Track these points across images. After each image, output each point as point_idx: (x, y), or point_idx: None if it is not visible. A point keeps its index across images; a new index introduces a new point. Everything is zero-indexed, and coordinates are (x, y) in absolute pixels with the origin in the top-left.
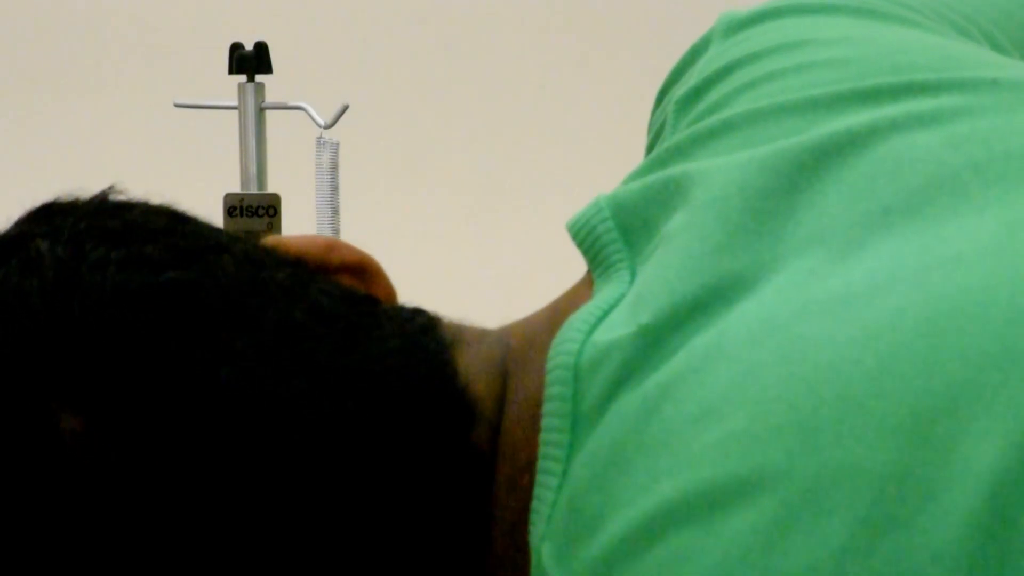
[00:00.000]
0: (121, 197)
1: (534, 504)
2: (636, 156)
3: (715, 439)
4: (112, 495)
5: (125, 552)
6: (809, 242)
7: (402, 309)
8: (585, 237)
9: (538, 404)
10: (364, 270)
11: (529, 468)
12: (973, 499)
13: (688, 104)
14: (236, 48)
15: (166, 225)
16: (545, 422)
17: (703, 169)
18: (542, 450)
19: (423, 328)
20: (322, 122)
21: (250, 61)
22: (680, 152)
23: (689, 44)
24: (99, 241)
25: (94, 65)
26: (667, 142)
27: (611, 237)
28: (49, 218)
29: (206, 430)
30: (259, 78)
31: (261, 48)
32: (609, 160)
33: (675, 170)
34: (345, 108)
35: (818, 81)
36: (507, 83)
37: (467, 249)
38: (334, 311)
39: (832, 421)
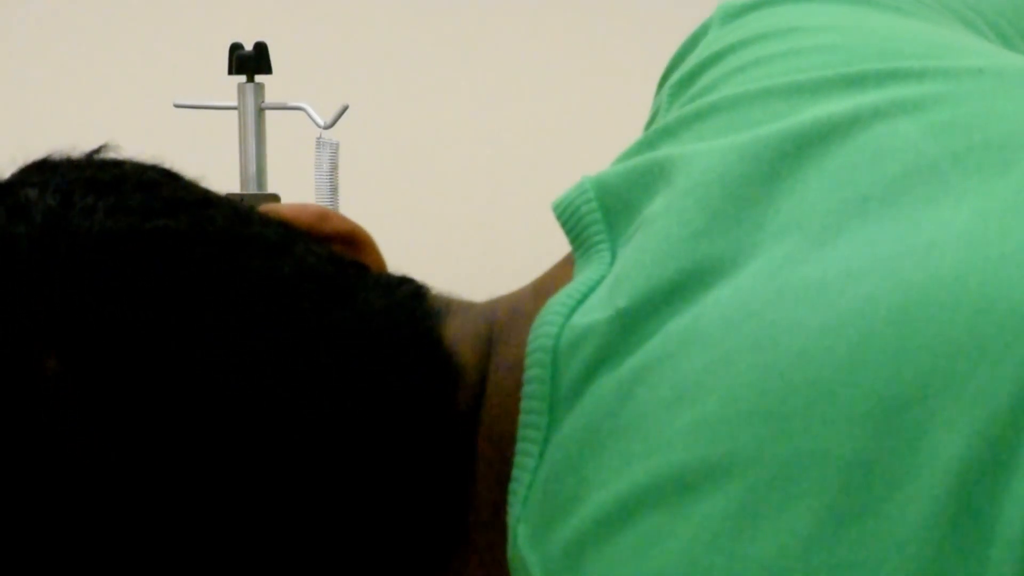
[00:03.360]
0: (113, 155)
1: (512, 486)
2: None
3: (687, 423)
4: (92, 436)
5: (101, 492)
6: (787, 228)
7: (390, 276)
8: (569, 217)
9: (519, 378)
10: (355, 240)
11: (509, 443)
12: (938, 488)
13: (681, 88)
14: (236, 48)
15: (156, 179)
16: (524, 404)
17: (687, 154)
18: (521, 432)
19: (410, 295)
20: (322, 122)
21: (250, 61)
22: (668, 134)
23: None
24: (88, 190)
25: (94, 65)
26: (656, 124)
27: (593, 218)
28: (40, 171)
29: (185, 377)
30: (259, 78)
31: (261, 48)
32: (610, 159)
33: (660, 153)
34: (345, 108)
35: (804, 66)
36: (507, 83)
37: (467, 249)
38: (320, 269)
39: (802, 408)
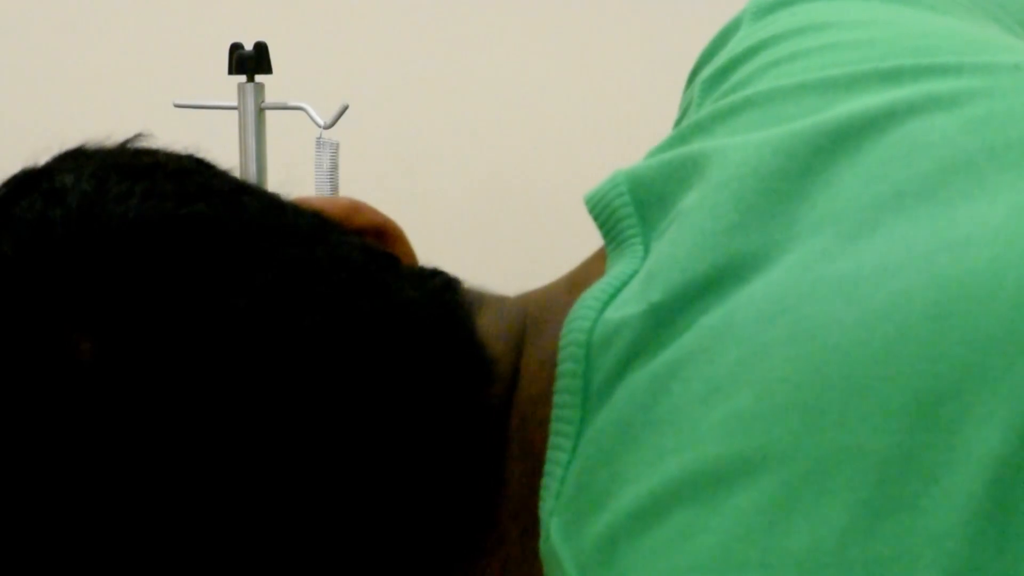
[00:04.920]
0: (147, 144)
1: (544, 480)
2: (637, 156)
3: (721, 417)
4: (125, 420)
5: (134, 477)
6: (821, 223)
7: (422, 268)
8: (602, 211)
9: (552, 373)
10: (386, 233)
11: (541, 436)
12: (974, 483)
13: (714, 83)
14: (236, 48)
15: (190, 167)
16: (557, 398)
17: (721, 148)
18: (554, 426)
19: (442, 286)
20: (322, 122)
21: (250, 61)
22: (701, 129)
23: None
24: (123, 176)
25: (94, 65)
26: (690, 119)
27: (626, 212)
28: (75, 158)
29: (218, 363)
30: (259, 78)
31: (261, 48)
32: (611, 157)
33: (694, 147)
34: (345, 108)
35: (839, 61)
36: (507, 83)
37: (467, 249)
38: (353, 259)
39: (837, 402)
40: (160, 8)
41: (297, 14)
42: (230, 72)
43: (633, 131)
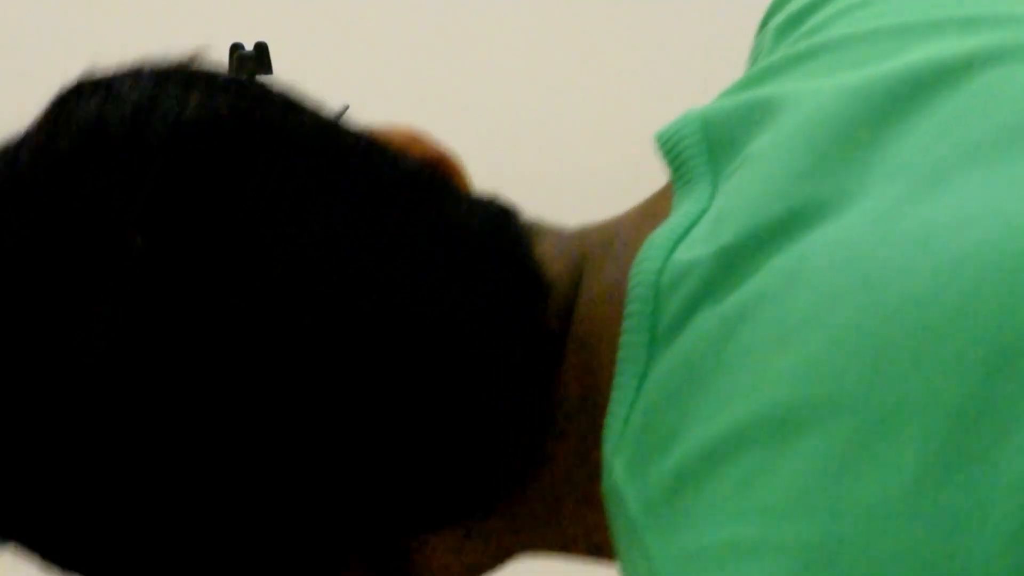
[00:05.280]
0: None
1: (607, 419)
2: (638, 154)
3: (791, 362)
4: (170, 311)
5: (182, 368)
6: (896, 172)
7: (480, 194)
8: (672, 148)
9: (614, 311)
10: (445, 165)
11: (599, 371)
12: None
13: (788, 28)
14: (236, 48)
15: (246, 82)
16: (624, 339)
17: (794, 92)
18: (619, 367)
19: (501, 211)
20: None
21: (250, 61)
22: (774, 72)
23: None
24: (180, 82)
25: (94, 65)
26: (761, 63)
27: (697, 150)
28: (134, 69)
29: (269, 267)
30: (259, 78)
31: (261, 48)
32: (613, 157)
33: (767, 90)
34: (345, 108)
35: (915, 8)
36: (508, 83)
37: None
38: (413, 176)
39: (910, 351)
40: (160, 8)
41: (297, 14)
42: (230, 72)
43: (635, 130)
